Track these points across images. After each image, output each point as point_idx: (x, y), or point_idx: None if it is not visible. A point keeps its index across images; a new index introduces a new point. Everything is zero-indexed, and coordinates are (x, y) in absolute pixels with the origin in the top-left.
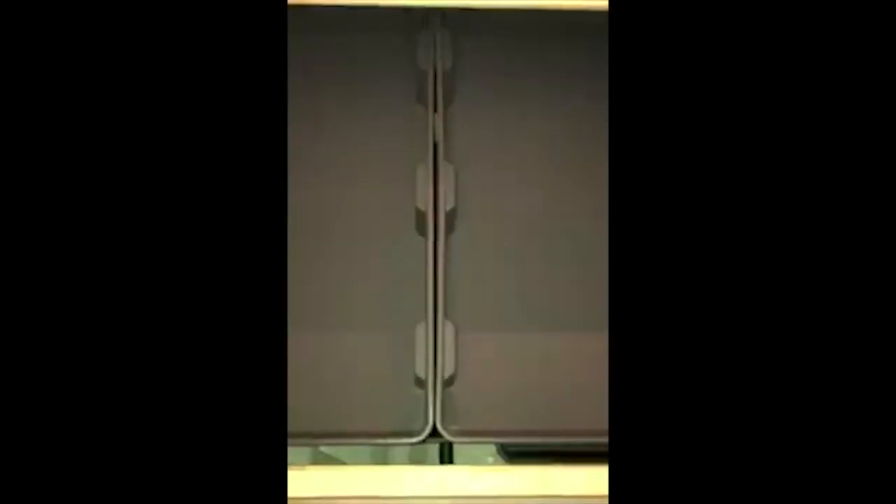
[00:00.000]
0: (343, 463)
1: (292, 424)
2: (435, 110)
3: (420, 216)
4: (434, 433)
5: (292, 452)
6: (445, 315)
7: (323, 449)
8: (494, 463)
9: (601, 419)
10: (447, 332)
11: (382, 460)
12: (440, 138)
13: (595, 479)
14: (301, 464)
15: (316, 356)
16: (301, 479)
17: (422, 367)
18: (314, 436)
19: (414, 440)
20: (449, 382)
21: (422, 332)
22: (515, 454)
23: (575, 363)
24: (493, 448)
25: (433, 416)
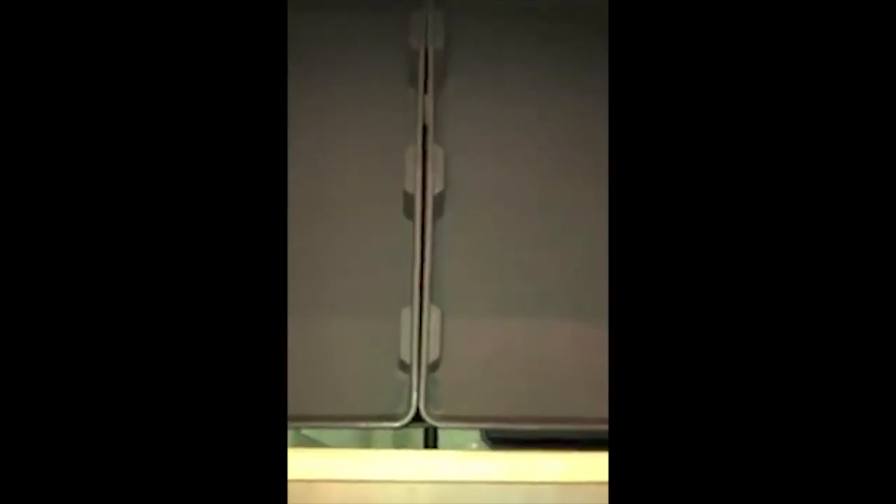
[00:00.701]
0: (326, 446)
1: None
2: (425, 92)
3: (408, 199)
4: (417, 418)
5: None
6: (431, 299)
7: (306, 432)
8: (478, 448)
9: (587, 407)
10: (433, 316)
11: (367, 444)
12: (430, 120)
13: (580, 466)
14: None
15: (300, 338)
16: None
17: (406, 352)
18: (297, 419)
19: (397, 424)
20: (434, 367)
21: (407, 316)
22: (499, 440)
23: (562, 350)
24: (477, 433)
25: (416, 400)
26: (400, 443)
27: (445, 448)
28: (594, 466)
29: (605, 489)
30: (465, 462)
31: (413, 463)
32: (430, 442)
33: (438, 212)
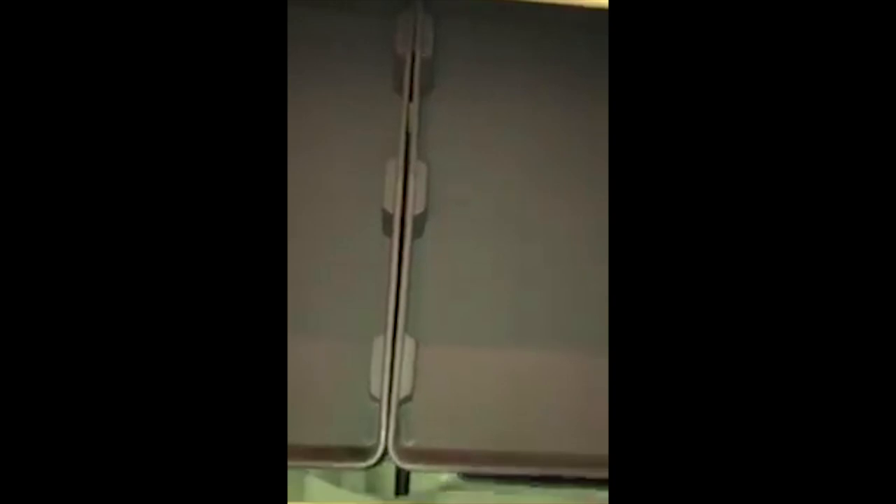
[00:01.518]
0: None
1: None
2: (410, 100)
3: (387, 218)
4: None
5: None
6: (406, 329)
7: None
8: (450, 482)
9: (570, 444)
10: (407, 347)
11: (336, 481)
12: (413, 130)
13: None
14: None
15: None
16: None
17: (377, 386)
18: None
19: (365, 464)
20: (406, 401)
21: (379, 347)
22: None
23: (544, 384)
24: None
25: (385, 439)
26: (372, 479)
27: (417, 483)
28: None
29: None
30: None
31: None
32: (403, 478)
33: (418, 232)
